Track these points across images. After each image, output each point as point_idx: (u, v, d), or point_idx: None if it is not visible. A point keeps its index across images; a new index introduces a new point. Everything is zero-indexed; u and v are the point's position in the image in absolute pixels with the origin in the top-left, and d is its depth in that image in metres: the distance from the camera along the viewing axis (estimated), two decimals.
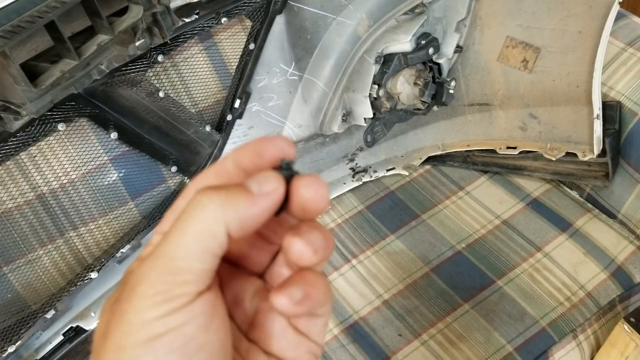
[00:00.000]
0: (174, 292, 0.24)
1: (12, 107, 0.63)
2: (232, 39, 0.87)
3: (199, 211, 0.25)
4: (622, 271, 0.87)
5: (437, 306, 0.86)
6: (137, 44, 0.68)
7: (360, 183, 1.01)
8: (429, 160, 1.03)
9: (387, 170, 1.02)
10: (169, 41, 0.72)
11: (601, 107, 0.85)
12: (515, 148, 0.94)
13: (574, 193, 0.97)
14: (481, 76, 0.95)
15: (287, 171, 0.28)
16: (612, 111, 0.88)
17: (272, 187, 0.27)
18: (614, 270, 0.87)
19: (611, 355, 0.78)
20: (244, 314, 0.31)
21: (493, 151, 0.97)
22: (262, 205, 0.26)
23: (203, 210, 0.25)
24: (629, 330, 0.75)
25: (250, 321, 0.31)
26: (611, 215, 0.93)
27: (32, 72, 0.62)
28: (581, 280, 0.86)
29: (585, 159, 0.88)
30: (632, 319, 0.75)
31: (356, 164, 1.02)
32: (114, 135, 0.77)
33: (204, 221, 0.25)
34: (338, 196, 1.00)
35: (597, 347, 0.82)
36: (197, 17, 0.78)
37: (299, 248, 0.26)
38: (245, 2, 0.82)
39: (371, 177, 1.01)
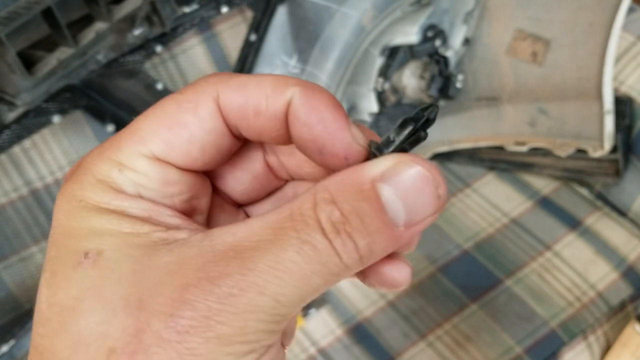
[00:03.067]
0: (264, 342, 0.18)
1: (6, 97, 0.61)
2: (232, 30, 0.85)
3: (332, 262, 0.18)
4: (633, 271, 0.85)
5: (444, 306, 0.83)
6: (136, 33, 0.65)
7: None
8: (435, 156, 1.01)
9: None
10: (168, 31, 0.69)
11: (613, 102, 0.82)
12: (523, 144, 0.92)
13: (583, 191, 0.95)
14: (489, 70, 0.92)
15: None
16: (623, 106, 0.86)
17: (429, 214, 0.18)
18: (624, 269, 0.85)
19: (622, 356, 0.76)
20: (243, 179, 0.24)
21: (501, 147, 0.95)
22: (402, 242, 0.19)
23: (338, 264, 0.18)
24: None
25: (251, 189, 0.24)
26: (622, 213, 0.91)
27: (27, 60, 0.60)
28: (591, 280, 0.84)
29: (596, 155, 0.85)
30: None
31: None
32: (110, 128, 0.74)
33: (336, 276, 0.18)
34: None
35: (607, 347, 0.80)
36: (197, 7, 0.75)
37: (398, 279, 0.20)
38: None
39: None
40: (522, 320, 0.81)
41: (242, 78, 0.20)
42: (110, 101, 0.74)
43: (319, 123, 0.19)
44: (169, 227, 0.19)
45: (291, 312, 0.18)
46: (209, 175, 0.22)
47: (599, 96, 0.83)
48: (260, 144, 0.23)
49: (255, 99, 0.19)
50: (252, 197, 0.24)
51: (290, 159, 0.23)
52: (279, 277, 0.17)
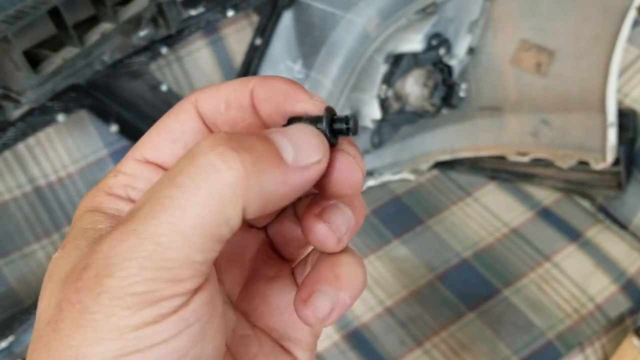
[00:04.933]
0: (162, 293, 0.17)
1: (12, 94, 0.61)
2: (238, 34, 0.86)
3: (209, 179, 0.17)
4: (633, 284, 0.84)
5: (442, 314, 0.83)
6: (141, 34, 0.66)
7: (365, 188, 0.99)
8: (437, 165, 1.01)
9: (393, 174, 1.00)
10: (173, 33, 0.70)
11: (616, 114, 0.82)
12: (525, 154, 0.92)
13: (585, 203, 0.94)
14: (493, 79, 0.92)
15: (315, 123, 0.21)
16: (626, 119, 0.86)
17: (315, 159, 0.19)
18: (624, 282, 0.84)
19: None
20: (236, 276, 0.25)
21: (502, 157, 0.95)
22: (296, 183, 0.19)
23: (216, 180, 0.17)
24: (638, 345, 0.72)
25: (244, 285, 0.25)
26: (623, 226, 0.91)
27: (33, 59, 0.61)
28: (590, 292, 0.84)
29: (598, 167, 0.85)
30: None
31: None
32: (114, 128, 0.75)
33: (216, 197, 0.17)
34: None
35: None
36: (203, 10, 0.76)
37: (322, 235, 0.21)
38: None
39: (376, 180, 0.99)
40: (519, 330, 0.81)
41: (216, 84, 0.22)
42: (115, 101, 0.75)
43: (278, 94, 0.21)
44: None
45: (185, 256, 0.17)
46: None
47: (602, 108, 0.83)
48: None
49: (224, 96, 0.22)
50: None
51: None
52: (155, 217, 0.17)
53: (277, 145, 0.19)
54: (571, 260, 0.87)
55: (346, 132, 0.21)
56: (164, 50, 0.76)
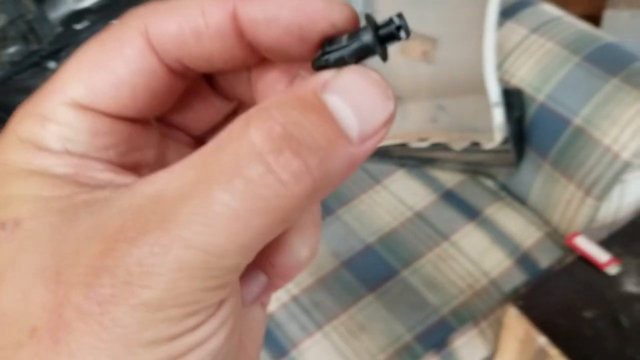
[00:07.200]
0: (209, 301, 0.15)
1: None
2: None
3: (275, 192, 0.15)
4: (528, 257, 0.87)
5: (343, 299, 0.86)
6: (11, 51, 0.71)
7: None
8: None
9: None
10: (46, 47, 0.74)
11: (500, 94, 0.85)
12: (425, 140, 0.95)
13: (489, 182, 0.97)
14: (388, 71, 0.96)
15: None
16: (513, 98, 0.89)
17: (383, 120, 0.16)
18: (518, 256, 0.87)
19: (509, 340, 0.78)
20: None
21: (406, 144, 0.98)
22: (363, 158, 0.16)
23: (284, 194, 0.15)
24: (515, 314, 0.74)
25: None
26: (522, 202, 0.93)
27: None
28: (485, 267, 0.86)
29: (488, 147, 0.88)
30: (519, 302, 0.74)
31: None
32: None
33: (283, 209, 0.15)
34: None
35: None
36: (89, 23, 0.80)
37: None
38: None
39: None
40: (414, 308, 0.83)
41: (172, 2, 0.17)
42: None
43: (282, 7, 0.16)
44: (97, 185, 0.17)
45: (236, 263, 0.15)
46: (160, 118, 0.20)
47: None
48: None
49: (190, 21, 0.16)
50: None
51: (236, 81, 0.20)
52: (207, 224, 0.14)
53: (338, 120, 0.15)
54: (469, 238, 0.89)
55: (398, 36, 0.17)
56: (52, 65, 0.80)
